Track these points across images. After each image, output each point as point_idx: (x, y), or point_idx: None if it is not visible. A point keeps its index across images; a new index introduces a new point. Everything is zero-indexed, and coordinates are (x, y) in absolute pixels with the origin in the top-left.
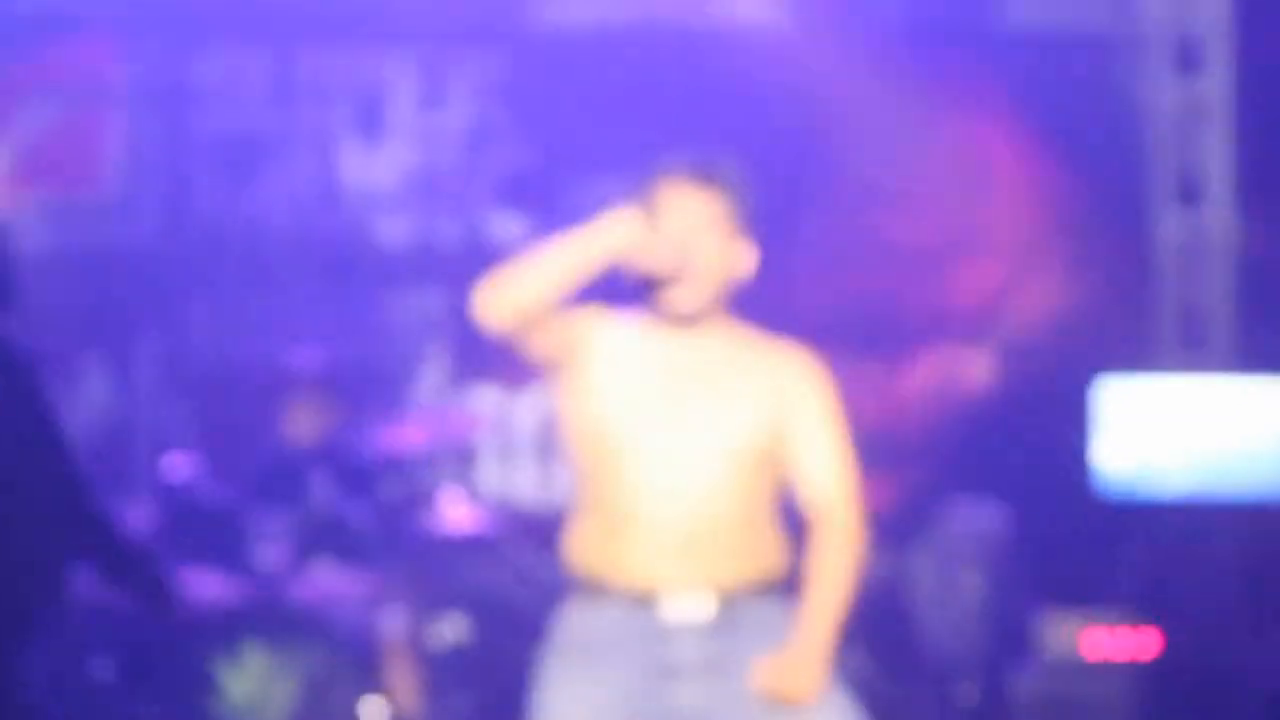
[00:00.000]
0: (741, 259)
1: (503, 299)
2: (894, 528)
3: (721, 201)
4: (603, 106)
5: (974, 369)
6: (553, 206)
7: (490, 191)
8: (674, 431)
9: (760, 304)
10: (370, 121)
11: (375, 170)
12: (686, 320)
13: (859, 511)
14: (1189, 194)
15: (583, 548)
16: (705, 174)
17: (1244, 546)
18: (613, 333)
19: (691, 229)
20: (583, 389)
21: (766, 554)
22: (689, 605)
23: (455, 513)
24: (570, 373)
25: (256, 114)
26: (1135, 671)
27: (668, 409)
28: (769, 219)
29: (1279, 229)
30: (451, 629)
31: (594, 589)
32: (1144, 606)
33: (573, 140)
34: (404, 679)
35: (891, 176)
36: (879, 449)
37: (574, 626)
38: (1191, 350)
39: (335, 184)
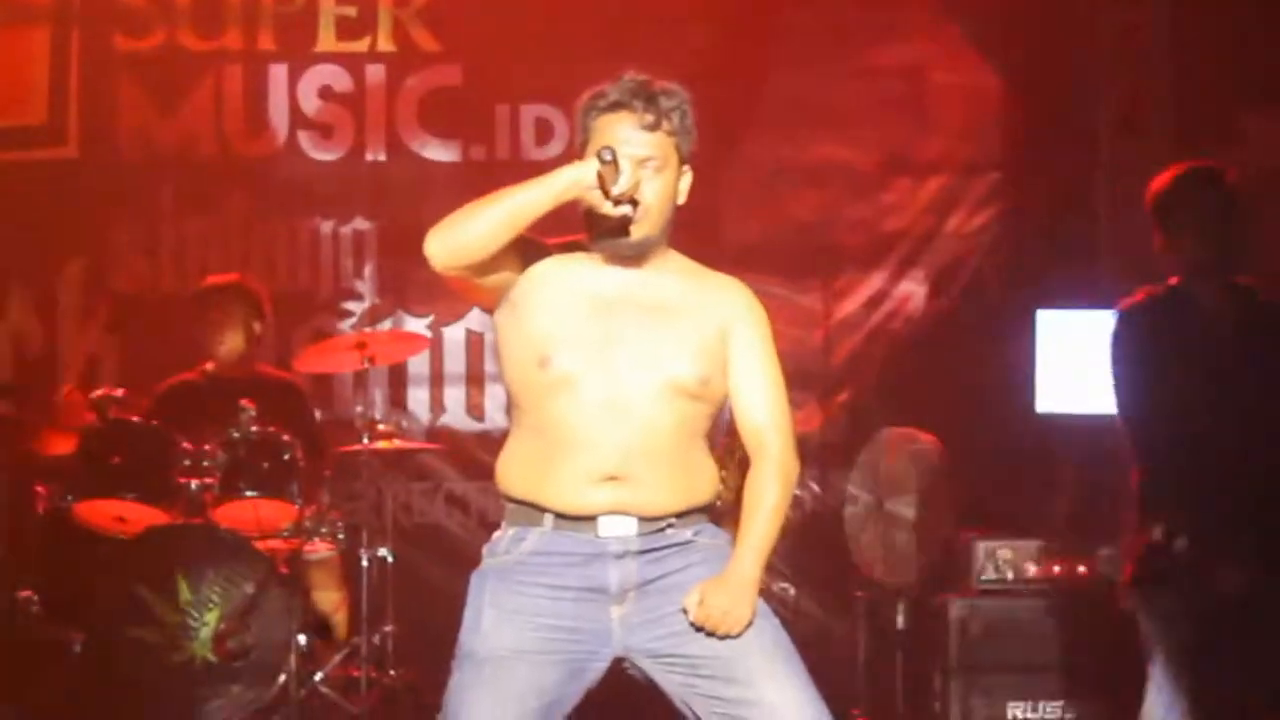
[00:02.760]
0: (684, 189)
1: (455, 243)
2: (827, 452)
3: (668, 136)
4: (530, 27)
5: (909, 294)
6: (481, 131)
7: (416, 116)
8: (612, 363)
9: (693, 228)
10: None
11: (302, 93)
12: (632, 255)
13: (793, 441)
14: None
15: (517, 472)
16: (651, 108)
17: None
18: (554, 264)
19: (640, 168)
20: (523, 320)
21: (699, 481)
22: (621, 528)
23: (385, 436)
24: (510, 303)
25: (183, 36)
26: (1067, 594)
27: (607, 341)
28: (702, 142)
29: None
30: (382, 552)
31: (527, 512)
32: (1074, 532)
33: (501, 63)
34: (333, 602)
35: (828, 97)
36: (813, 375)
37: (507, 547)
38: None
39: (263, 107)
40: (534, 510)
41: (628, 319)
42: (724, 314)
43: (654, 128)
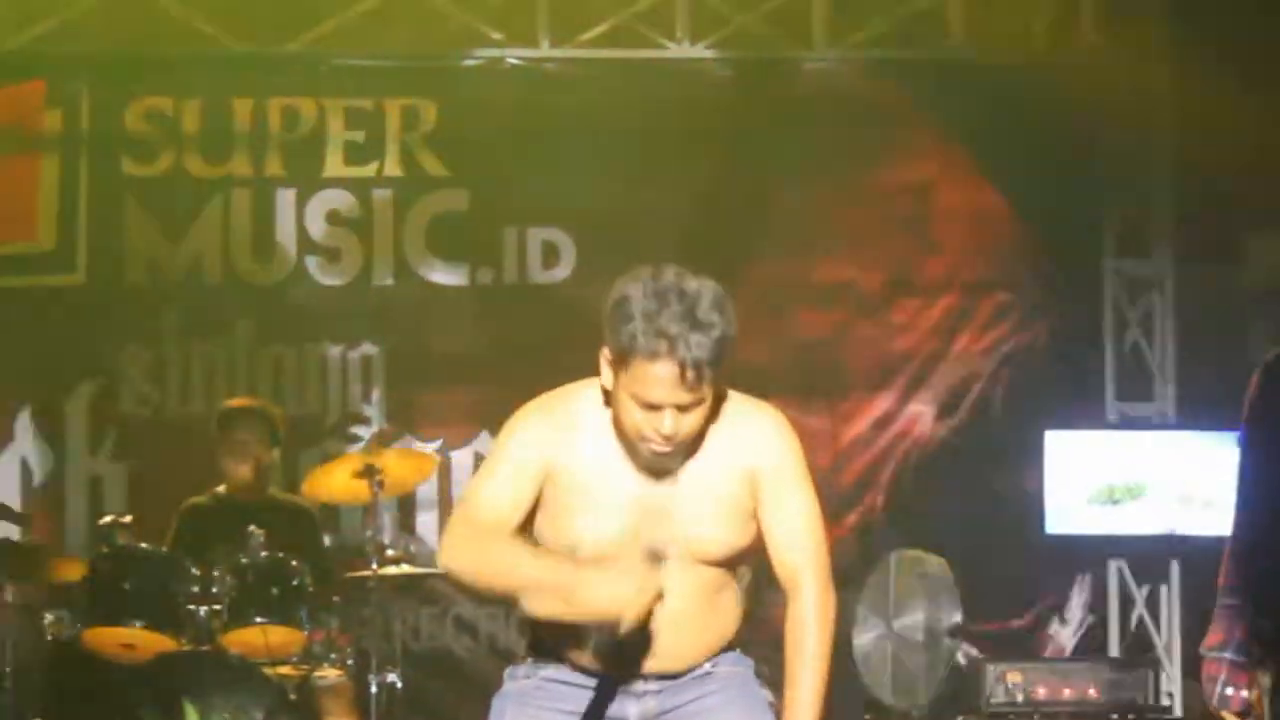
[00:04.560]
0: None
1: (460, 584)
2: (835, 575)
3: (707, 382)
4: (537, 151)
5: (917, 415)
6: (488, 255)
7: (424, 240)
8: (639, 545)
9: None
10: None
11: (310, 217)
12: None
13: (828, 575)
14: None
15: (540, 614)
16: (694, 363)
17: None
18: (583, 449)
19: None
20: (551, 513)
21: (724, 627)
22: (641, 682)
23: (394, 561)
24: (539, 498)
25: (191, 161)
26: (1077, 717)
27: (635, 529)
28: (708, 262)
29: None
30: (391, 677)
31: (547, 653)
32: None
33: (507, 187)
34: None
35: (835, 218)
36: (821, 497)
37: (527, 671)
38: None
39: (270, 231)
40: (555, 655)
41: (654, 503)
42: (750, 459)
43: (696, 384)
